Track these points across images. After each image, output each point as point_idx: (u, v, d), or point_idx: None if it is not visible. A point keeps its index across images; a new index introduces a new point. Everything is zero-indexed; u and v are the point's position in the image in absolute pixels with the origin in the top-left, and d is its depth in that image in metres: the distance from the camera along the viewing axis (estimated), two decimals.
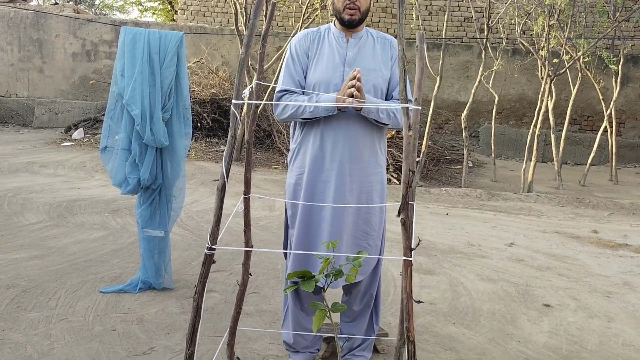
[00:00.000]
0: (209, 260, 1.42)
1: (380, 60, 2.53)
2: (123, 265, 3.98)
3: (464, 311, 3.58)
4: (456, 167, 10.05)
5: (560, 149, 9.17)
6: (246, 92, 1.57)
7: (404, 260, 1.33)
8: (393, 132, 9.29)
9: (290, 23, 10.93)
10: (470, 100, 8.77)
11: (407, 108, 1.32)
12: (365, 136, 2.47)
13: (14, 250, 4.14)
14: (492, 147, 9.61)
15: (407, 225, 1.29)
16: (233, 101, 1.35)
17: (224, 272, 3.95)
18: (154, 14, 23.34)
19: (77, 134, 10.35)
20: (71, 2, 24.31)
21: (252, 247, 1.78)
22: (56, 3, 14.87)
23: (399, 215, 1.32)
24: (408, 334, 1.32)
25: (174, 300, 3.41)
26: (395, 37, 2.19)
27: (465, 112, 8.76)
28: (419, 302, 1.39)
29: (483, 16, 8.96)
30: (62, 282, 3.58)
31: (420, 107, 1.60)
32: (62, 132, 10.79)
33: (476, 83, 8.83)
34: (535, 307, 3.70)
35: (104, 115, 11.51)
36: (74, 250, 4.26)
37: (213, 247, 1.42)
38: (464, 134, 8.81)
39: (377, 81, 2.48)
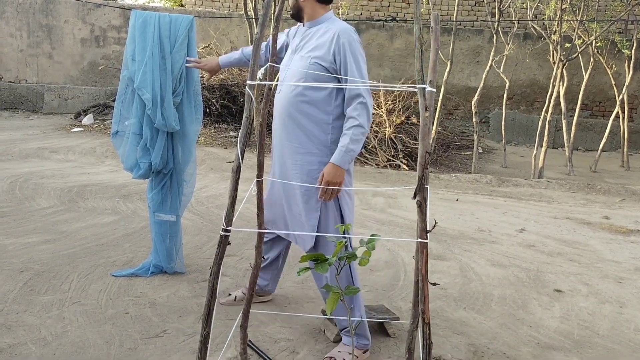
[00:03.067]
0: (224, 242, 1.42)
1: (321, 42, 2.67)
2: (134, 250, 4.00)
3: (474, 296, 3.58)
4: (466, 153, 10.00)
5: (572, 135, 9.10)
6: (259, 74, 1.55)
7: (420, 242, 1.32)
8: (402, 118, 9.25)
9: None
10: (481, 85, 8.70)
11: (424, 89, 1.30)
12: (295, 118, 2.65)
13: (26, 235, 4.16)
14: (503, 132, 9.54)
15: (422, 208, 1.28)
16: (248, 82, 1.34)
17: (235, 256, 3.96)
18: None
19: (87, 119, 10.37)
20: None
21: (265, 229, 1.77)
22: None
23: (414, 197, 1.31)
24: (424, 316, 1.31)
25: (185, 284, 3.43)
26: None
27: (475, 97, 8.70)
28: (434, 284, 1.38)
29: (494, 0, 8.85)
30: (75, 265, 3.61)
31: (434, 90, 1.58)
32: (71, 118, 10.82)
33: (487, 68, 8.75)
34: (547, 293, 3.69)
35: (113, 101, 11.54)
36: (85, 234, 4.29)
37: (228, 228, 1.42)
38: (474, 120, 8.75)
39: (318, 57, 2.63)
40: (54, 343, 2.63)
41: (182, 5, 16.74)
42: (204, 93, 9.88)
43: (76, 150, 7.94)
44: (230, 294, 3.24)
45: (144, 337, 2.74)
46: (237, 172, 1.37)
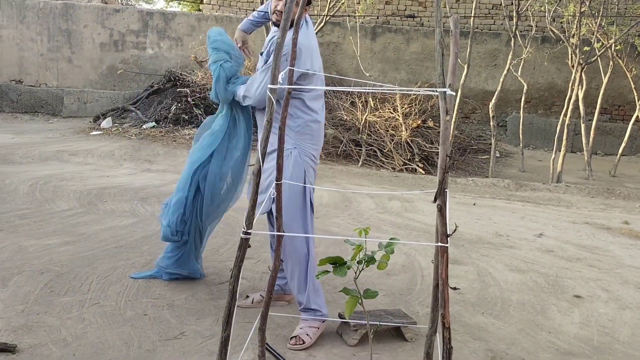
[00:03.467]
0: (244, 245, 1.43)
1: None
2: (153, 252, 4.03)
3: (492, 301, 3.55)
4: (483, 157, 9.93)
5: (591, 139, 9.01)
6: (280, 77, 1.56)
7: (440, 246, 1.32)
8: (419, 122, 9.22)
9: (315, 12, 10.90)
10: (499, 89, 8.65)
11: (444, 92, 1.30)
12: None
13: (46, 237, 4.22)
14: (520, 136, 9.47)
15: (443, 211, 1.28)
16: (269, 86, 1.35)
17: (252, 259, 3.98)
18: (179, 3, 23.45)
19: (106, 123, 10.48)
20: None
21: (283, 232, 1.78)
22: None
23: (434, 201, 1.31)
24: (444, 320, 1.31)
25: (203, 287, 3.45)
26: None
27: (493, 100, 8.65)
28: (454, 288, 1.38)
29: (512, 3, 8.80)
30: (94, 267, 3.64)
31: (454, 93, 1.58)
32: (90, 121, 10.94)
33: (504, 71, 8.70)
34: (566, 298, 3.65)
35: (131, 104, 11.60)
36: (104, 236, 4.33)
37: (249, 231, 1.43)
38: (491, 123, 8.70)
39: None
40: (74, 344, 2.66)
41: (199, 10, 16.88)
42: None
43: (95, 153, 8.03)
44: (248, 296, 3.26)
45: (162, 339, 2.76)
46: (257, 175, 1.38)
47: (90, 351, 2.60)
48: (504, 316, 3.33)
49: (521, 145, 9.49)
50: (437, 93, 1.31)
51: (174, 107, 10.38)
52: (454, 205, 6.28)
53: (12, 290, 3.19)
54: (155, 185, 6.23)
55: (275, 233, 1.65)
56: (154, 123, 10.21)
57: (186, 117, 10.19)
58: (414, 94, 9.37)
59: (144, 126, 10.12)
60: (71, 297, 3.17)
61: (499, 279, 3.96)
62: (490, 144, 9.05)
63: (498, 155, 10.18)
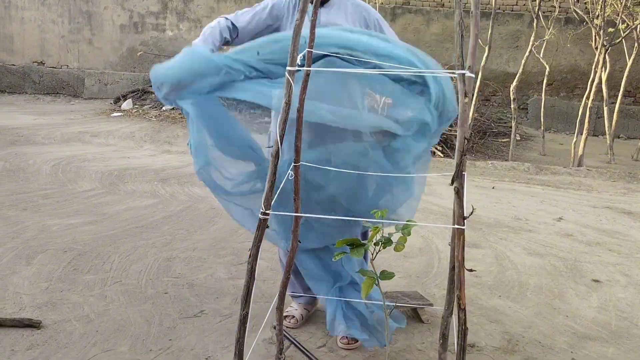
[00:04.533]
0: (263, 225, 1.45)
1: (351, 20, 2.58)
2: (173, 232, 4.09)
3: (510, 284, 3.55)
4: (503, 140, 9.83)
5: (613, 122, 8.85)
6: (298, 59, 1.57)
7: (457, 228, 1.33)
8: None
9: None
10: (520, 70, 8.53)
11: (463, 75, 1.30)
12: None
13: (69, 216, 4.30)
14: (542, 119, 9.35)
15: (460, 194, 1.29)
16: (288, 68, 1.36)
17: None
18: None
19: (126, 104, 10.58)
20: None
21: (300, 213, 1.80)
22: None
23: (452, 183, 1.31)
24: (459, 302, 1.32)
25: (222, 267, 3.50)
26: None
27: (514, 83, 8.53)
28: (471, 270, 1.39)
29: None
30: (116, 246, 3.72)
31: (473, 75, 1.57)
32: (111, 103, 11.05)
33: (526, 53, 8.57)
34: (584, 282, 3.64)
35: (151, 86, 11.67)
36: (125, 216, 4.40)
37: (267, 211, 1.45)
38: (512, 106, 8.60)
39: None
40: (97, 320, 2.73)
41: None
42: None
43: (116, 135, 8.12)
44: (292, 316, 2.87)
45: (182, 317, 2.82)
46: (276, 156, 1.40)
47: (113, 327, 2.67)
48: (521, 299, 3.33)
49: (542, 128, 9.37)
50: (455, 75, 1.31)
51: None
52: (473, 189, 6.25)
53: (36, 268, 3.27)
54: (175, 167, 6.29)
55: (294, 214, 1.67)
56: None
57: None
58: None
59: (164, 108, 10.19)
60: (93, 275, 3.24)
61: (517, 262, 3.95)
62: (511, 127, 8.95)
63: (519, 138, 10.06)
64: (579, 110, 8.77)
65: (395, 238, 1.77)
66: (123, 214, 4.47)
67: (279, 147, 1.36)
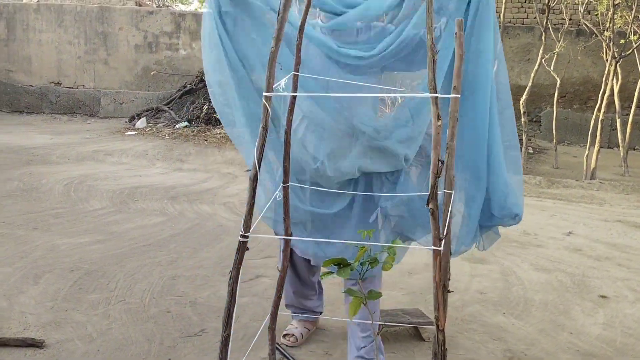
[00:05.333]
0: (242, 247, 1.47)
1: None
2: (179, 250, 4.13)
3: (514, 301, 3.52)
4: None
5: (627, 134, 8.76)
6: (282, 83, 1.60)
7: (433, 249, 1.34)
8: None
9: None
10: (530, 84, 8.50)
11: (436, 98, 1.32)
12: None
13: (78, 235, 4.37)
14: (554, 132, 9.29)
15: (435, 215, 1.30)
16: (264, 94, 1.39)
17: (275, 257, 4.04)
18: None
19: (140, 123, 10.73)
20: None
21: (290, 235, 1.82)
22: None
23: (427, 204, 1.32)
24: (437, 323, 1.33)
25: (225, 285, 3.49)
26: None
27: (524, 96, 8.51)
28: (449, 291, 1.39)
29: None
30: (122, 265, 3.76)
31: (459, 96, 1.59)
32: (126, 122, 11.21)
33: (536, 66, 8.54)
34: (591, 299, 3.60)
35: (165, 105, 11.84)
36: (134, 235, 4.46)
37: (246, 234, 1.47)
38: (522, 119, 8.56)
39: None
40: (99, 340, 2.76)
41: None
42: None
43: (129, 153, 8.23)
44: (292, 335, 2.84)
45: (183, 336, 2.84)
46: (254, 180, 1.42)
47: (114, 347, 2.70)
48: (525, 316, 3.30)
49: (555, 141, 9.31)
50: (429, 96, 1.32)
51: (205, 107, 10.55)
52: None
53: (42, 288, 3.33)
54: (185, 185, 6.36)
55: (281, 237, 1.69)
56: (186, 123, 10.41)
57: (217, 117, 10.34)
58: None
59: (177, 126, 10.32)
60: (98, 295, 3.28)
61: (523, 278, 3.92)
62: (522, 140, 8.90)
63: (531, 151, 10.00)
64: (592, 122, 8.70)
65: (382, 257, 1.78)
66: (131, 232, 4.53)
67: (257, 171, 1.39)
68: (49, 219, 4.75)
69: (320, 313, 2.93)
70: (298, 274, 2.80)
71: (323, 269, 1.77)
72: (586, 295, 3.64)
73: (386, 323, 2.61)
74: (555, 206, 6.25)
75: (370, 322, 1.78)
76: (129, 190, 5.91)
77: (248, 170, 1.49)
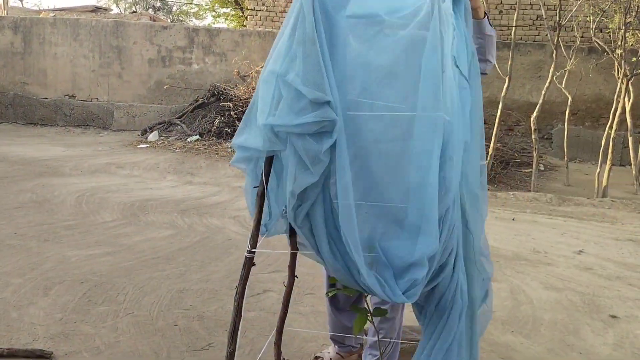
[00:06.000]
0: (249, 263, 1.49)
1: None
2: (188, 263, 4.15)
3: (523, 320, 3.50)
4: (526, 170, 9.74)
5: (639, 152, 8.71)
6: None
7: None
8: None
9: None
10: (541, 101, 8.49)
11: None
12: None
13: (89, 247, 4.40)
14: (565, 149, 9.25)
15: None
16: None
17: (282, 272, 4.04)
18: (226, 19, 24.02)
19: (152, 136, 10.83)
20: (150, 10, 25.44)
21: (297, 250, 1.83)
22: (134, 12, 15.59)
23: None
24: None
25: (232, 299, 3.52)
26: None
27: (535, 113, 8.50)
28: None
29: (557, 14, 8.64)
30: (131, 278, 3.79)
31: (448, 119, 1.60)
32: (138, 135, 11.32)
33: (547, 83, 8.54)
34: (601, 318, 3.56)
35: (177, 118, 11.93)
36: (143, 247, 4.48)
37: (253, 250, 1.49)
38: (533, 136, 8.54)
39: None
40: (106, 352, 2.77)
41: (244, 26, 17.24)
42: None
43: (141, 166, 8.30)
44: (321, 359, 2.78)
45: (190, 350, 2.85)
46: (261, 197, 1.44)
47: (121, 359, 2.71)
48: (534, 335, 3.27)
49: (566, 158, 9.27)
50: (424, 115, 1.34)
51: (217, 121, 10.64)
52: (492, 220, 6.19)
53: (52, 299, 3.35)
54: (195, 198, 6.39)
55: (286, 251, 1.70)
56: (197, 136, 10.49)
57: (229, 131, 10.42)
58: None
59: (189, 139, 10.40)
60: (107, 307, 3.30)
61: (533, 296, 3.89)
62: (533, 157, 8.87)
63: (542, 168, 9.96)
64: (604, 140, 8.67)
65: None
66: (141, 245, 4.55)
67: (264, 187, 1.41)
68: (60, 231, 4.79)
69: (360, 345, 2.78)
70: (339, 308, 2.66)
71: (332, 287, 1.77)
72: (596, 315, 3.61)
73: (393, 340, 2.60)
74: (566, 224, 6.21)
75: (389, 340, 1.78)
76: (140, 203, 5.95)
77: (256, 187, 1.52)
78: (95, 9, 19.26)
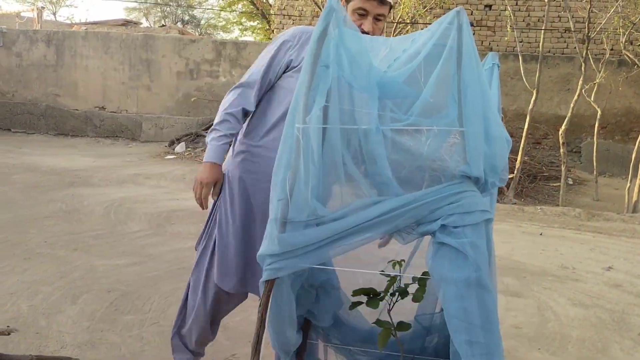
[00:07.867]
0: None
1: None
2: None
3: (550, 337, 3.44)
4: (554, 185, 9.61)
5: None
6: (313, 114, 1.62)
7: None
8: None
9: None
10: (569, 114, 8.39)
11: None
12: None
13: (116, 257, 4.47)
14: (594, 163, 9.10)
15: None
16: (296, 125, 1.42)
17: None
18: (253, 32, 24.30)
19: (179, 147, 10.98)
20: (179, 24, 25.89)
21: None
22: (163, 25, 15.88)
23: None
24: None
25: (256, 310, 3.54)
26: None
27: (563, 126, 8.39)
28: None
29: (585, 27, 8.55)
30: (157, 288, 3.83)
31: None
32: (166, 146, 11.49)
33: (575, 97, 8.43)
34: (631, 337, 3.48)
35: (204, 130, 12.11)
36: (169, 258, 4.54)
37: None
38: (561, 150, 8.43)
39: None
40: None
41: (270, 39, 17.42)
42: None
43: (168, 177, 8.41)
44: None
45: None
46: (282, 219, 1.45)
47: None
48: (561, 353, 3.21)
49: (595, 172, 9.12)
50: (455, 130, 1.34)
51: None
52: (519, 235, 6.11)
53: (80, 308, 3.41)
54: None
55: (310, 265, 1.71)
56: None
57: None
58: None
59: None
60: (133, 316, 3.35)
61: (560, 313, 3.83)
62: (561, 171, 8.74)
63: (571, 182, 9.82)
64: (634, 154, 8.51)
65: (412, 289, 1.78)
66: (167, 255, 4.61)
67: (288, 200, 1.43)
68: (88, 240, 4.88)
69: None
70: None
71: (352, 299, 1.77)
72: (625, 333, 3.53)
73: (408, 355, 2.58)
74: (595, 240, 6.10)
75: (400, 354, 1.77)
76: (166, 214, 6.03)
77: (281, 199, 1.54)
78: (126, 23, 19.70)
